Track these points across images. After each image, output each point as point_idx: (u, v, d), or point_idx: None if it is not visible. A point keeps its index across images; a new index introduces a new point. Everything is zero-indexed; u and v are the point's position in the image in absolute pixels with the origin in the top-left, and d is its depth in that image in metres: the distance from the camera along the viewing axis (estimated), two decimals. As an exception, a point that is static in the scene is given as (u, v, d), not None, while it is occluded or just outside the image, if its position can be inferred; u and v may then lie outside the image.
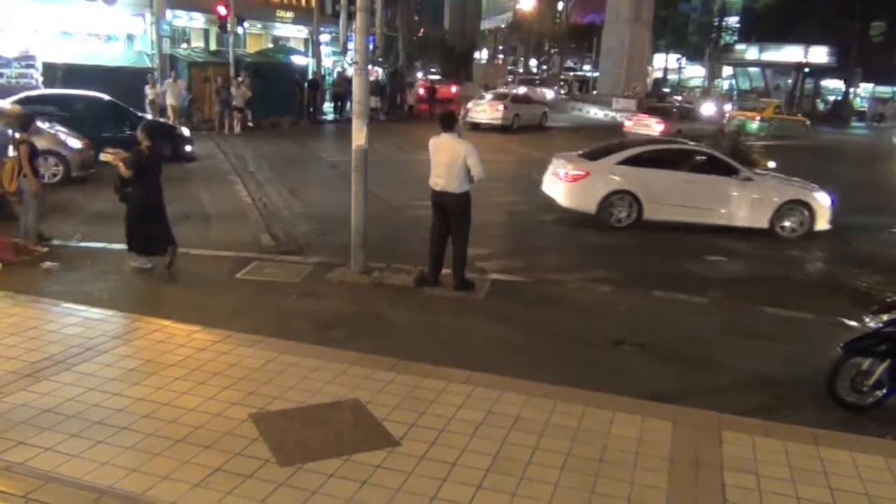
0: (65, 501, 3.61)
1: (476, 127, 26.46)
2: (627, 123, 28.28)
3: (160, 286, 7.58)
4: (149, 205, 7.83)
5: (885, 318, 5.53)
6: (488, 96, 29.84)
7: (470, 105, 28.74)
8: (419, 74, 57.38)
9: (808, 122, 35.69)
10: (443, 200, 7.69)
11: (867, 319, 5.67)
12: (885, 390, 5.50)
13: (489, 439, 4.51)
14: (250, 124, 23.30)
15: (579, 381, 5.49)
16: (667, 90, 52.43)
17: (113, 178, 7.99)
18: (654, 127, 26.28)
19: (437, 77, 50.70)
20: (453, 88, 39.29)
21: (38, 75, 20.98)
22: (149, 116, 19.27)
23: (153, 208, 7.87)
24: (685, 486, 4.13)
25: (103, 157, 8.06)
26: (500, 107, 27.62)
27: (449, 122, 7.76)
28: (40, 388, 4.82)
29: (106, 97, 15.52)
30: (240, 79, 23.00)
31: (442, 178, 7.59)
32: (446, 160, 7.53)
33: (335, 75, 32.48)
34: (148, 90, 21.55)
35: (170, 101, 21.86)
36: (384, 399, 4.97)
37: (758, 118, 33.18)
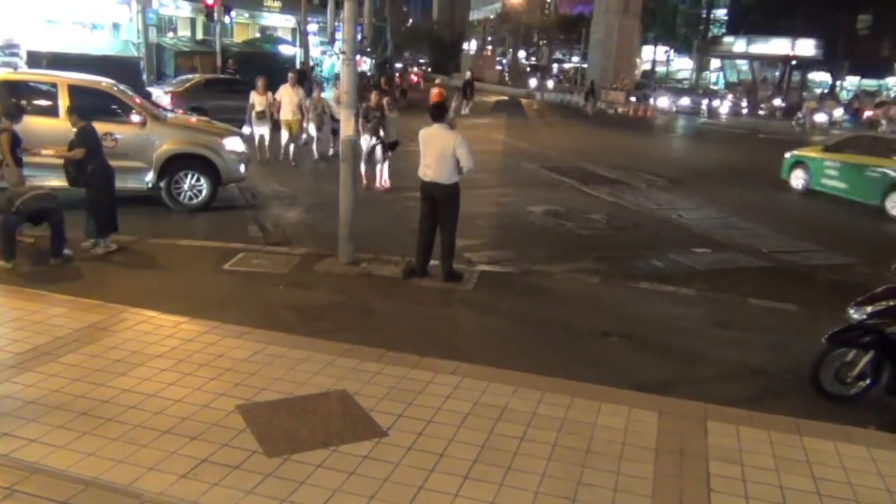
0: (50, 493, 3.59)
1: None
2: (868, 114, 33.99)
3: (146, 276, 7.53)
4: (109, 176, 8.12)
5: (869, 309, 5.55)
6: None
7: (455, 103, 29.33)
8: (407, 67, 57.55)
9: None
10: (432, 191, 7.69)
11: (851, 311, 5.69)
12: (868, 381, 5.56)
13: (476, 430, 4.52)
14: (386, 183, 13.05)
15: (566, 372, 5.51)
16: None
17: (65, 170, 7.99)
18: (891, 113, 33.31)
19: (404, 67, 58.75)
20: (414, 78, 51.18)
21: (22, 64, 20.73)
22: (248, 130, 14.37)
23: (112, 179, 8.18)
24: (671, 476, 4.16)
25: (45, 152, 8.18)
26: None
27: (439, 112, 7.78)
28: (25, 380, 4.79)
29: None
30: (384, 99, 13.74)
31: (431, 168, 7.59)
32: (436, 151, 7.53)
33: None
34: (254, 96, 14.78)
35: (285, 115, 14.91)
36: (372, 390, 4.97)
37: None
